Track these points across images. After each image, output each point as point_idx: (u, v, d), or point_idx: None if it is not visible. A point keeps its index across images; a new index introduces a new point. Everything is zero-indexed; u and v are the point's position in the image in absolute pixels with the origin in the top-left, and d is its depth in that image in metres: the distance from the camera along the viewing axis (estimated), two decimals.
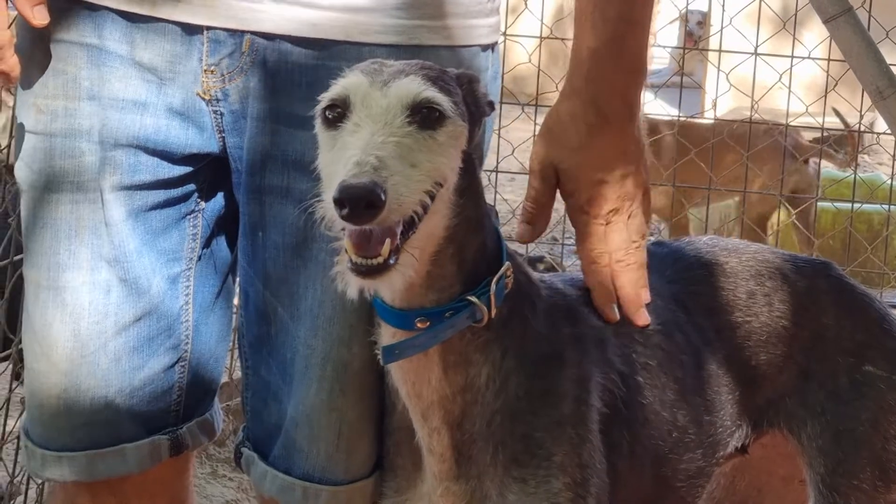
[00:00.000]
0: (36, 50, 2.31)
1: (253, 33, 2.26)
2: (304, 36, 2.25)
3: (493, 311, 2.21)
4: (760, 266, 2.71)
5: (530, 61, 5.34)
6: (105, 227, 2.31)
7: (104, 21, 2.29)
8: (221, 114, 2.30)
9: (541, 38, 5.55)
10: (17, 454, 3.82)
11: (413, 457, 2.33)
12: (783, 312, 2.68)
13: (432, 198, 2.06)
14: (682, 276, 2.63)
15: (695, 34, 14.95)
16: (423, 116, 2.08)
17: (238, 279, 2.44)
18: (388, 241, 2.00)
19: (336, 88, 2.11)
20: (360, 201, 1.92)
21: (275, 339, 2.35)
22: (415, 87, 2.08)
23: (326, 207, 2.00)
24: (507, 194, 6.95)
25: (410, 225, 2.04)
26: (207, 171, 2.37)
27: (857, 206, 5.71)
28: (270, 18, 2.25)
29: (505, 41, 4.38)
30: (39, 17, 2.24)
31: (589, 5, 2.33)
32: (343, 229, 2.01)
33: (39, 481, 3.82)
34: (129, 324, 2.34)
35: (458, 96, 2.14)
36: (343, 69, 2.19)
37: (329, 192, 1.98)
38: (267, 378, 2.38)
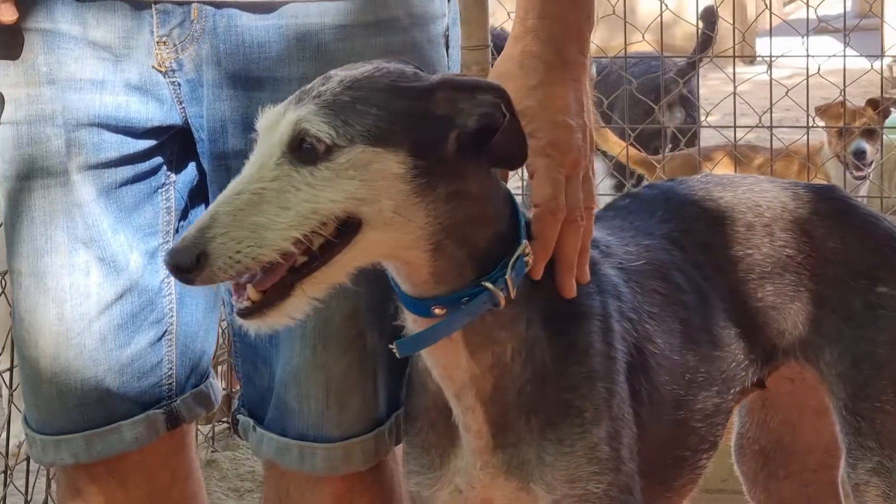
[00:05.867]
0: None
1: (200, 1, 2.26)
2: (250, 0, 2.25)
3: (513, 292, 2.18)
4: (757, 197, 2.66)
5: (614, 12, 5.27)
6: (77, 209, 2.33)
7: (55, 4, 2.31)
8: (178, 84, 2.31)
9: None
10: (27, 474, 3.87)
11: (449, 433, 2.32)
12: (786, 241, 2.64)
13: (346, 232, 2.05)
14: (674, 214, 2.59)
15: None
16: (306, 150, 2.04)
17: None
18: (249, 286, 2.05)
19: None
20: (172, 269, 2.00)
21: None
22: (296, 116, 2.04)
23: None
24: None
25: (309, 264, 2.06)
26: (174, 143, 2.38)
27: None
28: None
29: None
30: (8, 13, 2.28)
31: None
32: None
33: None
34: (112, 302, 2.36)
35: (382, 116, 2.05)
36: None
37: None
38: (254, 343, 2.37)
